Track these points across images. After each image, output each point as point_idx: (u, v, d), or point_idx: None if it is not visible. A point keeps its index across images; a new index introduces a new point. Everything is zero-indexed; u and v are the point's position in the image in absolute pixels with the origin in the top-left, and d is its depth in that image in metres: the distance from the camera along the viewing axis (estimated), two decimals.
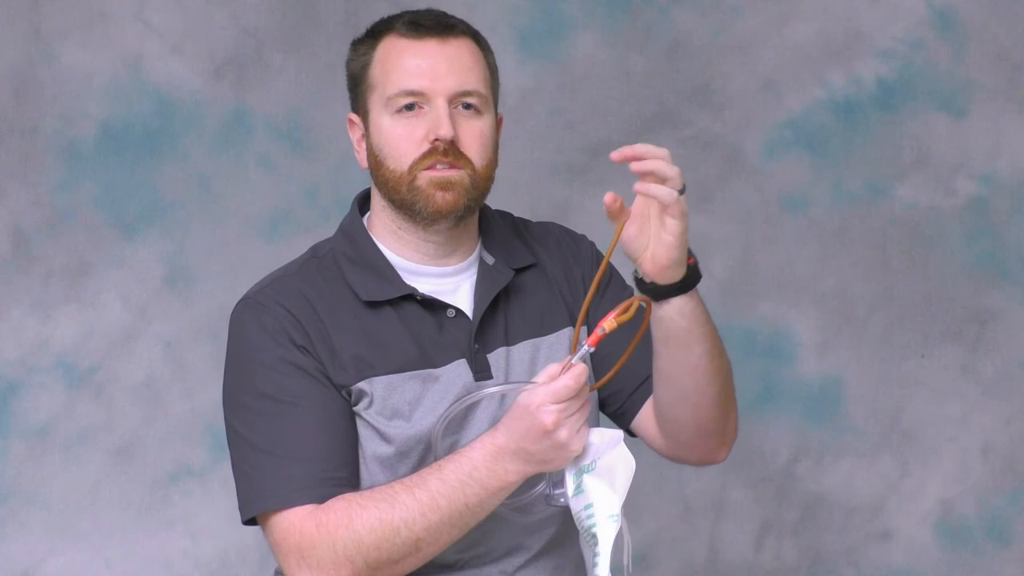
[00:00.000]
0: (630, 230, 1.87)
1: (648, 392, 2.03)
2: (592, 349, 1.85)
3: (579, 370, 1.84)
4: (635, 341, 1.90)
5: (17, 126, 3.13)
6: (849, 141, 3.38)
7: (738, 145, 3.36)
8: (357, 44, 2.05)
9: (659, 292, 1.89)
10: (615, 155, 1.85)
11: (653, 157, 1.87)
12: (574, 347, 1.86)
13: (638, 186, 1.86)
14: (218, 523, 3.14)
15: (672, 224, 1.89)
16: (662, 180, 1.88)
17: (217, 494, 3.13)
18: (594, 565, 1.81)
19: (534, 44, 3.27)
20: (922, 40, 3.40)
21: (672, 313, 1.90)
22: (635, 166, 1.85)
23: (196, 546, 3.16)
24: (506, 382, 1.99)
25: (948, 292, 3.40)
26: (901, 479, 3.40)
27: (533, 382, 1.86)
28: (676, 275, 1.90)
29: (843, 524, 3.38)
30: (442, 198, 1.96)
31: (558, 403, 1.83)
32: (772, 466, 3.36)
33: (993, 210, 3.41)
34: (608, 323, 1.84)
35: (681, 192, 1.90)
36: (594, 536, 1.81)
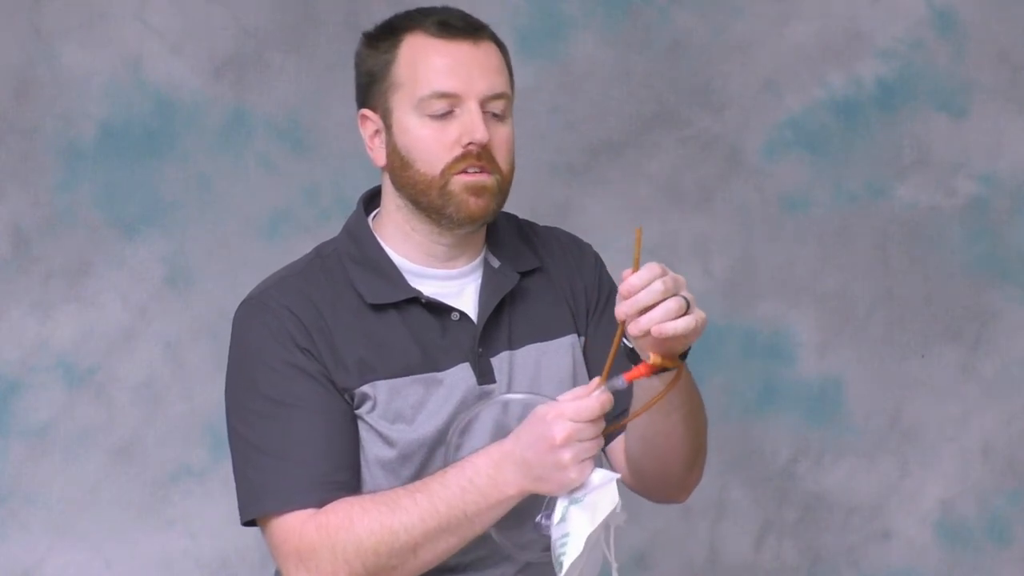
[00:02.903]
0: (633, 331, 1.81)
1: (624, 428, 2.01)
2: (626, 385, 1.83)
3: (605, 398, 1.82)
4: (658, 397, 1.87)
5: (17, 126, 3.13)
6: (849, 141, 3.38)
7: (738, 145, 3.36)
8: (375, 40, 2.01)
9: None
10: (620, 315, 1.79)
11: (649, 290, 1.77)
12: (605, 375, 1.83)
13: (655, 330, 1.77)
14: (218, 523, 3.14)
15: (692, 337, 1.81)
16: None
17: (217, 494, 3.13)
18: None
19: (534, 44, 3.27)
20: (922, 40, 3.40)
21: (655, 381, 1.87)
22: (627, 307, 1.78)
23: (196, 546, 3.16)
24: (530, 391, 1.98)
25: (948, 292, 3.40)
26: (901, 479, 3.39)
27: (556, 399, 1.85)
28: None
29: (843, 524, 3.38)
30: (475, 204, 1.95)
31: (575, 421, 1.80)
32: (772, 466, 3.36)
33: (993, 210, 3.41)
34: (649, 366, 1.81)
35: (687, 309, 1.79)
36: (561, 565, 1.80)
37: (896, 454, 3.39)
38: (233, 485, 2.00)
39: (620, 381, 1.83)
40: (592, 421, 1.81)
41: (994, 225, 3.41)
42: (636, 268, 1.79)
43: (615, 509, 1.80)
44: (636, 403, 1.91)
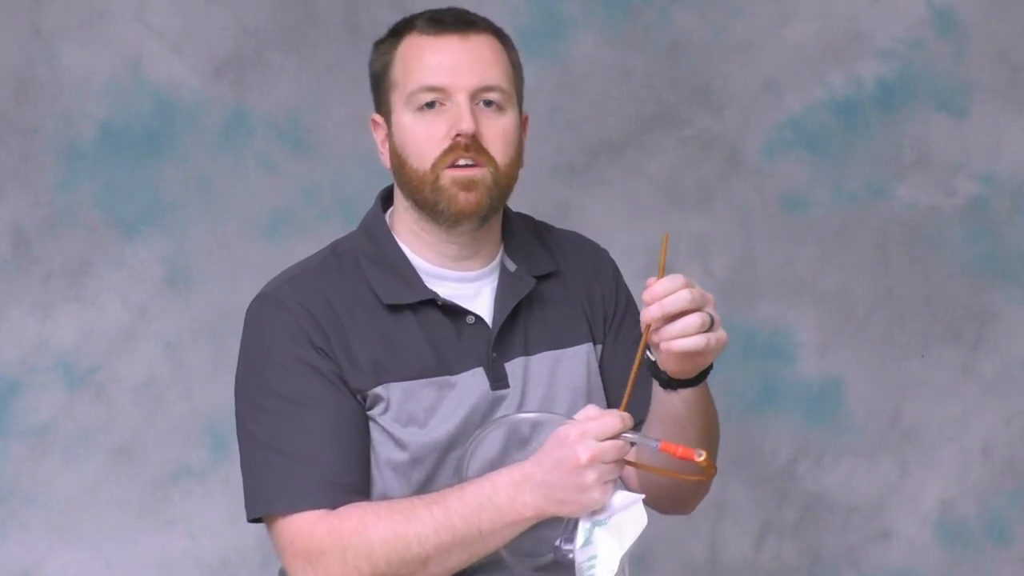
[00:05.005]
0: (652, 338, 1.81)
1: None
2: (657, 449, 1.81)
3: (627, 415, 1.81)
4: (673, 474, 1.87)
5: (17, 126, 3.13)
6: (849, 141, 3.38)
7: (738, 145, 3.36)
8: (379, 44, 2.03)
9: (671, 383, 1.87)
10: (646, 319, 1.78)
11: (675, 297, 1.77)
12: (627, 397, 1.82)
13: (664, 346, 1.78)
14: (218, 523, 3.14)
15: (710, 356, 1.82)
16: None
17: (217, 494, 3.13)
18: None
19: (534, 44, 3.27)
20: (922, 40, 3.40)
21: (677, 401, 1.88)
22: (654, 311, 1.77)
23: (196, 546, 3.16)
24: (543, 411, 1.96)
25: (948, 292, 3.40)
26: (901, 479, 3.39)
27: (572, 418, 1.84)
28: (693, 373, 1.87)
29: (843, 524, 3.38)
30: (464, 199, 1.94)
31: (599, 440, 1.79)
32: (772, 466, 3.36)
33: (993, 210, 3.41)
34: (681, 452, 1.81)
35: (711, 327, 1.79)
36: None
37: (896, 454, 3.39)
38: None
39: (654, 444, 1.82)
40: (615, 443, 1.80)
41: (994, 225, 3.41)
42: (662, 274, 1.78)
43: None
44: (653, 424, 1.91)
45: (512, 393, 1.98)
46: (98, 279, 3.15)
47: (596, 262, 2.12)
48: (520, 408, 1.97)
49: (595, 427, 1.80)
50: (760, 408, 3.35)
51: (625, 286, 2.12)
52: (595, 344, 2.06)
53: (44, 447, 3.12)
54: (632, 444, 1.82)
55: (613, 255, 2.17)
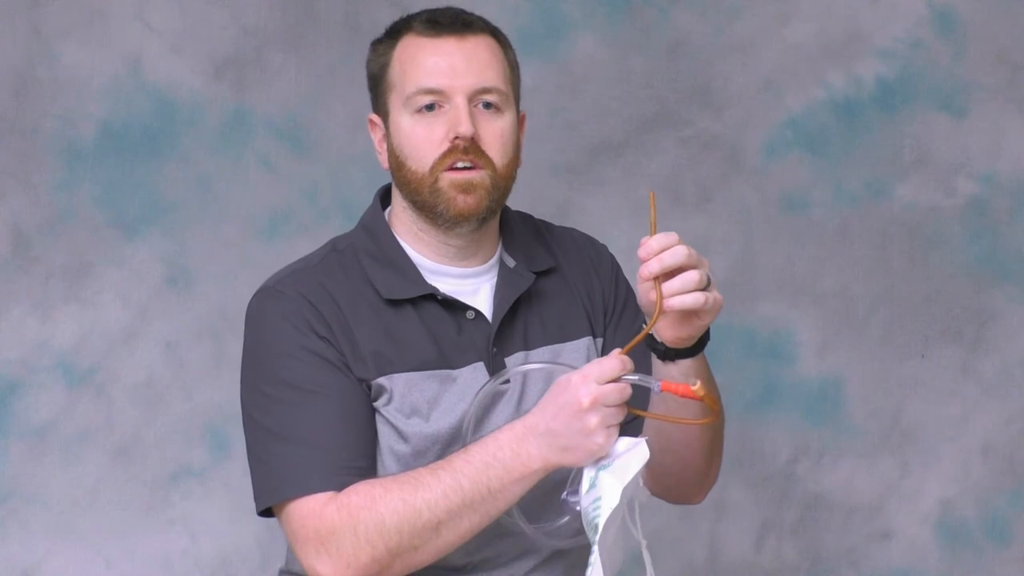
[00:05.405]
0: (652, 296, 1.82)
1: (641, 425, 2.00)
2: (659, 392, 1.82)
3: (627, 359, 1.82)
4: (683, 421, 1.87)
5: (17, 126, 3.13)
6: (849, 141, 3.38)
7: (738, 145, 3.36)
8: (376, 44, 2.04)
9: (668, 353, 1.88)
10: (645, 274, 1.80)
11: (672, 251, 1.80)
12: (627, 348, 1.83)
13: (664, 303, 1.80)
14: (218, 523, 3.13)
15: (707, 317, 1.84)
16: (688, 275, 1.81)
17: (217, 494, 3.13)
18: (590, 553, 1.80)
19: (534, 44, 3.27)
20: (922, 40, 3.40)
21: (676, 373, 1.88)
22: (653, 265, 1.80)
23: (196, 546, 3.16)
24: (552, 362, 1.97)
25: (948, 292, 3.40)
26: (901, 479, 3.40)
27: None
28: (690, 342, 1.88)
29: (843, 524, 3.38)
30: (463, 202, 1.95)
31: (600, 383, 1.79)
32: (772, 466, 3.36)
33: (993, 210, 3.41)
34: (690, 391, 1.82)
35: (708, 285, 1.82)
36: (596, 528, 1.79)
37: (896, 454, 3.39)
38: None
39: (656, 385, 1.82)
40: (616, 386, 1.80)
41: (994, 225, 3.41)
42: (653, 233, 1.79)
43: (645, 466, 1.79)
44: (655, 401, 1.91)
45: (512, 388, 1.98)
46: (98, 279, 3.15)
47: (595, 257, 2.12)
48: (520, 404, 1.97)
49: (595, 370, 1.80)
50: (760, 408, 3.35)
51: (625, 279, 2.12)
52: (595, 338, 2.07)
53: (44, 447, 3.12)
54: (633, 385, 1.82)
55: (613, 254, 2.17)
